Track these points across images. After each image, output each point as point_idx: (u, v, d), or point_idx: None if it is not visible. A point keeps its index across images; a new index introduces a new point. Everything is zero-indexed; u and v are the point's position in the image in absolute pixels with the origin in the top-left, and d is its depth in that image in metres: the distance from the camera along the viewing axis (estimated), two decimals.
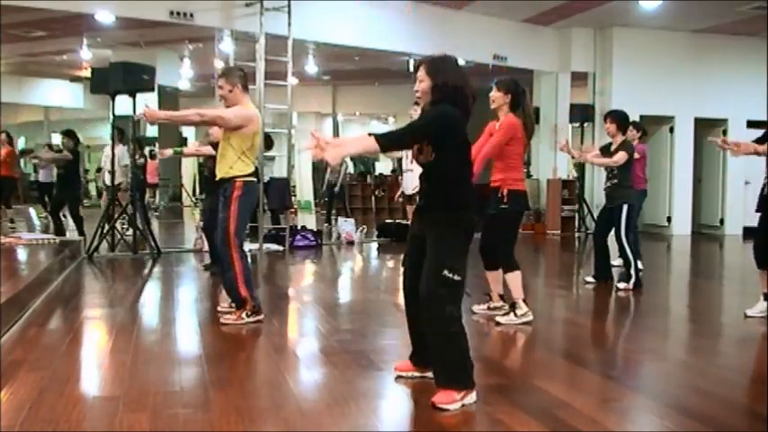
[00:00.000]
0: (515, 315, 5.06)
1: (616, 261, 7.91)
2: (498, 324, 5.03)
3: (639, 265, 6.82)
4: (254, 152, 5.03)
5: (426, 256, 3.28)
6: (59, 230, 10.16)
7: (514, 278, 5.08)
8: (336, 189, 13.41)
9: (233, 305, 5.06)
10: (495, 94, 5.04)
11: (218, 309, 5.28)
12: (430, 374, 3.43)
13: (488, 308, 5.28)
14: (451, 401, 3.18)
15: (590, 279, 6.90)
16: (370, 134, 3.28)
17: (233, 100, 4.95)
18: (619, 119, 6.69)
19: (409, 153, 5.98)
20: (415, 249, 3.44)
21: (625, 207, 6.61)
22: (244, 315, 4.92)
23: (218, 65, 10.16)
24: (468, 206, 3.33)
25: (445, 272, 3.21)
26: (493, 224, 5.11)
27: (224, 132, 4.96)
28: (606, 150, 6.82)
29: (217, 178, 5.02)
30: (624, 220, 6.61)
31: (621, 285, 6.66)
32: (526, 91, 5.09)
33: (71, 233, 10.17)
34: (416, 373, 3.56)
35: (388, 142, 3.24)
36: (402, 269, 3.55)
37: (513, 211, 5.08)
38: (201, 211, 7.92)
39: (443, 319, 3.22)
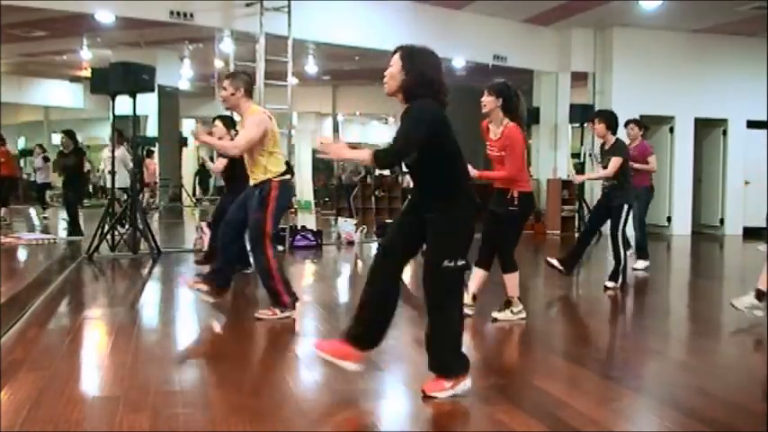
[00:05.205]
0: (512, 312, 5.11)
1: (637, 264, 7.89)
2: (495, 320, 5.07)
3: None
4: (278, 145, 5.08)
5: (426, 250, 3.35)
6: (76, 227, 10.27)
7: (512, 278, 5.13)
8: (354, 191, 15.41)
9: (270, 309, 5.09)
10: (486, 99, 4.98)
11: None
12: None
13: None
14: (441, 389, 3.26)
15: (609, 284, 6.64)
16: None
17: (234, 103, 5.00)
18: (608, 119, 6.65)
19: None
20: (399, 236, 3.47)
21: (625, 207, 6.60)
22: (278, 311, 4.99)
23: (218, 65, 10.18)
24: (459, 200, 3.33)
25: (445, 262, 3.26)
26: (497, 225, 5.10)
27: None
28: (602, 150, 6.81)
29: (251, 182, 5.05)
30: (623, 220, 6.60)
31: (610, 284, 6.60)
32: (519, 94, 5.00)
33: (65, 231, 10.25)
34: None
35: (385, 159, 3.34)
36: (379, 251, 3.55)
37: (521, 213, 5.10)
38: (215, 208, 7.88)
39: (442, 307, 3.29)
